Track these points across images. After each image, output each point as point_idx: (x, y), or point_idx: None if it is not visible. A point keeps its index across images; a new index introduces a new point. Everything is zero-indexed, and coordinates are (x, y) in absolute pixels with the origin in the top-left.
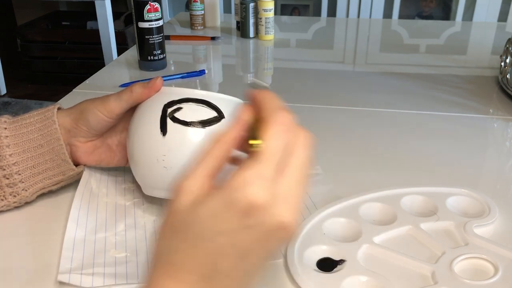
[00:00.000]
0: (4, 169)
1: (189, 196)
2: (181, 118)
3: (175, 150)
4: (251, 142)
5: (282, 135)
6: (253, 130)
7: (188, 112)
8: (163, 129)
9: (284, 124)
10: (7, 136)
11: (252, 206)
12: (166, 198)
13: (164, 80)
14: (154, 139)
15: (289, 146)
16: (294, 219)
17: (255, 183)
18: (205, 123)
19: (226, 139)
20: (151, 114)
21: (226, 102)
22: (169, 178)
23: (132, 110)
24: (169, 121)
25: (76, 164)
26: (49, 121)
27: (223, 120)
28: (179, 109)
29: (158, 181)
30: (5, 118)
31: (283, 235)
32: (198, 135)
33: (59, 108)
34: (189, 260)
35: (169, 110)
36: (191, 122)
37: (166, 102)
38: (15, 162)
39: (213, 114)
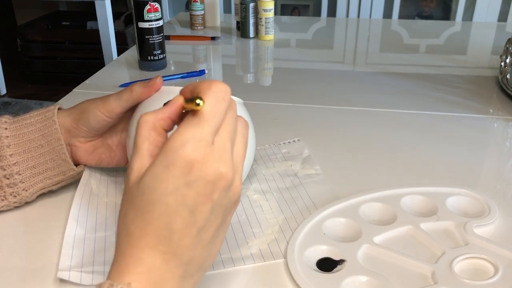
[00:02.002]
0: (5, 169)
1: (134, 173)
2: None
3: None
4: (192, 102)
5: (220, 102)
6: (186, 101)
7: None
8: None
9: (222, 92)
10: (7, 136)
11: (189, 162)
12: None
13: (164, 80)
14: None
15: (224, 112)
16: (230, 168)
17: (191, 143)
18: None
19: (151, 117)
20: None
21: None
22: None
23: (132, 110)
24: None
25: (76, 164)
26: (50, 121)
27: None
28: None
29: None
30: (6, 118)
31: (223, 184)
32: None
33: (59, 108)
34: (144, 225)
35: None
36: None
37: (166, 101)
38: (15, 162)
39: None
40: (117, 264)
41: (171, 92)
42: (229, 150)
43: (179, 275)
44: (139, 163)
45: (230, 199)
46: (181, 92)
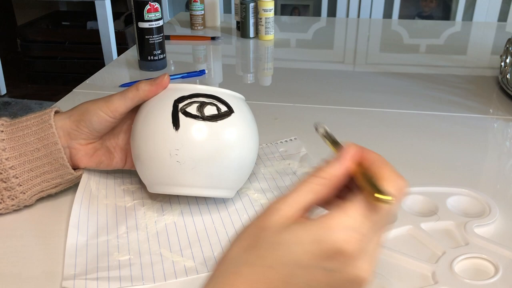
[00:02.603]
0: (1, 173)
1: (281, 219)
2: (193, 113)
3: (189, 144)
4: (378, 195)
5: (396, 207)
6: (366, 181)
7: (199, 106)
8: (176, 123)
9: (402, 193)
10: (3, 140)
11: (338, 251)
12: (177, 194)
13: None
14: (167, 134)
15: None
16: (371, 277)
17: (350, 232)
18: (217, 117)
19: (328, 175)
20: (161, 110)
21: (232, 98)
22: (182, 172)
23: (132, 112)
24: (181, 115)
25: (76, 166)
26: (46, 124)
27: (233, 114)
28: (190, 103)
29: (170, 177)
30: (2, 121)
31: (357, 284)
32: (211, 128)
33: (57, 111)
34: (258, 277)
35: (180, 105)
36: (203, 116)
37: (176, 98)
38: (11, 166)
39: (224, 108)
40: None
41: (178, 89)
42: (378, 251)
43: None
44: (290, 211)
45: None
46: (357, 152)
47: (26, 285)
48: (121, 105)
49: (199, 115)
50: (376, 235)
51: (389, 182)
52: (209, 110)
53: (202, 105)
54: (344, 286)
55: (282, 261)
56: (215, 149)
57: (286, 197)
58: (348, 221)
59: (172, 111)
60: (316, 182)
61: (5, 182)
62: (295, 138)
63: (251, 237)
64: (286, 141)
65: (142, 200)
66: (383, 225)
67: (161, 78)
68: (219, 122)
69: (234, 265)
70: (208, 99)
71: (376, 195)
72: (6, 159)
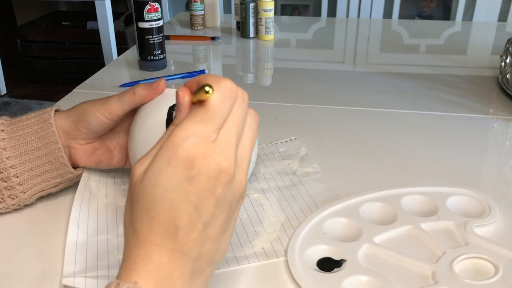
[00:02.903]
0: (1, 172)
1: (138, 171)
2: None
3: None
4: (201, 91)
5: (226, 100)
6: (192, 94)
7: None
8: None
9: (229, 90)
10: (3, 139)
11: (191, 158)
12: None
13: None
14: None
15: (229, 109)
16: (232, 163)
17: (193, 139)
18: None
19: (177, 121)
20: (156, 116)
21: None
22: None
23: (132, 112)
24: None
25: (76, 165)
26: (46, 123)
27: None
28: None
29: None
30: (3, 120)
31: (225, 178)
32: None
33: (57, 110)
34: (150, 222)
35: (175, 112)
36: None
37: (171, 105)
38: (12, 165)
39: None
40: (125, 263)
41: (173, 94)
42: (233, 144)
43: (188, 272)
44: (142, 161)
45: (234, 193)
46: (186, 86)
47: (26, 284)
48: (118, 108)
49: None
50: (221, 129)
51: (205, 80)
52: None
53: None
54: (214, 182)
55: (155, 197)
56: None
57: (147, 153)
58: (185, 132)
59: (167, 118)
60: (169, 132)
61: (5, 181)
62: (295, 138)
63: (128, 200)
64: (286, 141)
65: None
66: (220, 118)
67: (157, 83)
68: None
69: (130, 229)
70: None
71: (196, 94)
72: (6, 158)
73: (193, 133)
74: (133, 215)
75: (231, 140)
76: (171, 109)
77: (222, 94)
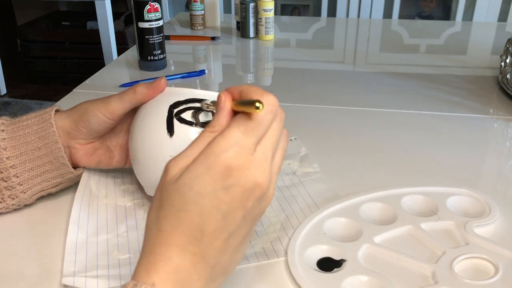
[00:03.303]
0: (2, 172)
1: (174, 170)
2: (188, 119)
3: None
4: (250, 105)
5: (269, 114)
6: (238, 104)
7: (194, 113)
8: (170, 130)
9: (272, 104)
10: (4, 139)
11: (230, 168)
12: None
13: None
14: (161, 140)
15: (270, 124)
16: (267, 179)
17: (234, 149)
18: None
19: (216, 125)
20: (156, 115)
21: None
22: None
23: (132, 111)
24: (175, 122)
25: (76, 165)
26: (47, 123)
27: None
28: (185, 109)
29: None
30: (3, 120)
31: (259, 193)
32: None
33: (57, 110)
34: (176, 223)
35: (175, 110)
36: (198, 122)
37: (171, 103)
38: (12, 165)
39: None
40: (144, 260)
41: (176, 93)
42: (269, 160)
43: (205, 278)
44: (178, 161)
45: (261, 208)
46: (228, 91)
47: (27, 284)
48: (119, 107)
49: (194, 121)
50: (260, 143)
51: (255, 95)
52: (204, 117)
53: (197, 111)
54: (247, 195)
55: (187, 200)
56: None
57: (182, 153)
58: (228, 141)
59: (167, 117)
60: (208, 135)
61: (5, 181)
62: (295, 138)
63: (157, 197)
64: None
65: (142, 200)
66: (262, 132)
67: (158, 82)
68: None
69: (155, 226)
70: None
71: (243, 105)
72: (6, 158)
73: (235, 143)
74: (160, 213)
75: (268, 156)
76: (172, 107)
77: (267, 108)
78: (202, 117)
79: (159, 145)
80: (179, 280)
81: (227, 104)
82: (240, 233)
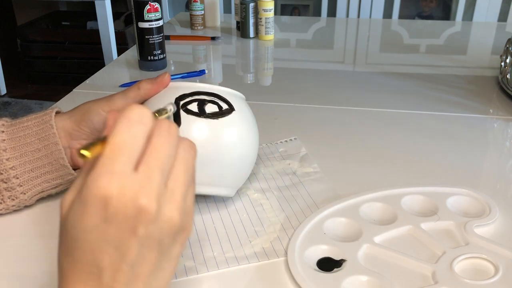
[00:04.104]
0: (1, 173)
1: (65, 207)
2: (195, 110)
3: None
4: (81, 151)
5: (135, 126)
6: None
7: (201, 104)
8: (177, 121)
9: (136, 115)
10: (4, 140)
11: (104, 197)
12: None
13: None
14: None
15: (143, 136)
16: (153, 200)
17: (105, 176)
18: (218, 115)
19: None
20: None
21: (232, 96)
22: None
23: None
24: (182, 113)
25: (76, 167)
26: (47, 125)
27: (234, 112)
28: (191, 101)
29: None
30: (3, 121)
31: (147, 217)
32: (212, 126)
33: (58, 112)
34: (73, 261)
35: (181, 102)
36: (205, 113)
37: (177, 96)
38: (12, 167)
39: (225, 106)
40: None
41: (180, 87)
42: (156, 178)
43: None
44: (69, 195)
45: (164, 230)
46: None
47: (26, 285)
48: (122, 104)
49: (200, 112)
50: (131, 163)
51: (113, 120)
52: (210, 108)
53: (203, 103)
54: (132, 223)
55: (76, 238)
56: (216, 147)
57: (72, 184)
58: (96, 170)
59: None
60: (89, 162)
61: (5, 182)
62: (295, 138)
63: (59, 236)
64: (286, 141)
65: None
66: (130, 150)
67: (162, 77)
68: (220, 119)
69: (59, 267)
70: (209, 97)
71: (81, 151)
72: (6, 160)
73: (104, 169)
74: (60, 252)
75: (153, 175)
76: (178, 99)
77: (128, 121)
78: (208, 109)
79: None
80: None
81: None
82: (145, 260)
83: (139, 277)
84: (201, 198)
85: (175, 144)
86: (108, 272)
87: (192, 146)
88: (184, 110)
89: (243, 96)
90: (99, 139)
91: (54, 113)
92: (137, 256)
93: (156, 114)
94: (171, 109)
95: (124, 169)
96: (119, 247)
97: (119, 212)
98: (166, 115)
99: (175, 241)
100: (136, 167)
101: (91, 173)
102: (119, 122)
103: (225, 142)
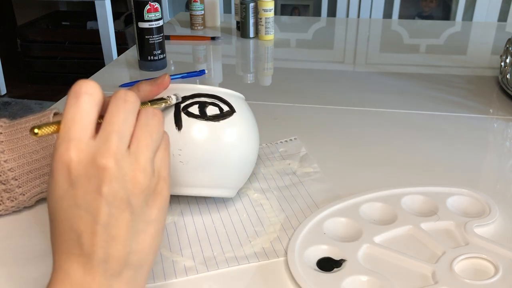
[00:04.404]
0: (0, 175)
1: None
2: (195, 113)
3: (192, 144)
4: (34, 129)
5: (81, 96)
6: None
7: (202, 106)
8: (178, 124)
9: (81, 87)
10: (2, 142)
11: (65, 163)
12: (179, 194)
13: None
14: (169, 134)
15: (92, 106)
16: (110, 158)
17: (63, 144)
18: (219, 117)
19: None
20: (163, 110)
21: (232, 97)
22: (185, 172)
23: None
24: (183, 115)
25: None
26: None
27: (235, 114)
28: (192, 104)
29: (173, 176)
30: (1, 122)
31: (108, 177)
32: (213, 128)
33: (56, 113)
34: (56, 234)
35: (182, 105)
36: (206, 116)
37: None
38: (10, 168)
39: (225, 108)
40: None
41: (180, 89)
42: (112, 141)
43: (100, 275)
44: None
45: (128, 191)
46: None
47: (26, 286)
48: None
49: (202, 115)
50: (102, 129)
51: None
52: (211, 110)
53: (204, 105)
54: (96, 183)
55: (53, 211)
56: (217, 149)
57: None
58: (58, 140)
59: (174, 111)
60: None
61: (4, 184)
62: (295, 138)
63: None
64: (286, 141)
65: None
66: (81, 115)
67: (162, 78)
68: (222, 122)
69: (50, 242)
70: (210, 99)
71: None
72: (4, 161)
73: (62, 140)
74: (50, 228)
75: (109, 137)
76: (179, 102)
77: (73, 98)
78: (209, 111)
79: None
80: (74, 284)
81: None
82: (117, 221)
83: (116, 239)
84: (201, 199)
85: (133, 110)
86: (86, 236)
87: (155, 113)
88: (185, 113)
89: (243, 96)
90: (55, 122)
91: (52, 114)
92: (109, 216)
93: (149, 103)
94: (173, 99)
95: (79, 136)
96: (89, 209)
97: (81, 175)
98: (163, 105)
99: (148, 204)
100: (94, 134)
101: (55, 145)
102: (68, 97)
103: (227, 144)
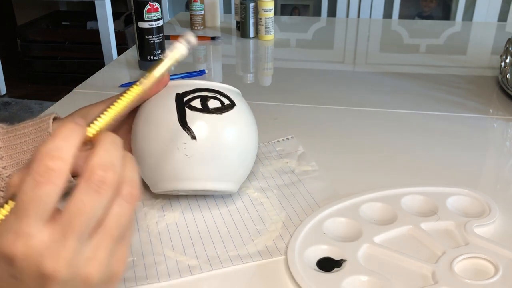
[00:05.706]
0: None
1: None
2: (198, 106)
3: (196, 137)
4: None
5: (40, 185)
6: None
7: (203, 100)
8: (182, 117)
9: (38, 171)
10: (0, 148)
11: (8, 257)
12: (184, 188)
13: None
14: (173, 128)
15: (50, 195)
16: (62, 266)
17: (7, 236)
18: (221, 110)
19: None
20: (165, 105)
21: (231, 92)
22: (190, 165)
23: (131, 113)
24: (186, 109)
25: (75, 173)
26: (44, 132)
27: (235, 107)
28: (193, 98)
29: (178, 171)
30: None
31: (53, 283)
32: (216, 121)
33: (55, 118)
34: None
35: (184, 99)
36: (208, 109)
37: (179, 93)
38: (9, 175)
39: (226, 101)
40: None
41: (180, 85)
42: (69, 241)
43: None
44: None
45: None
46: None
47: None
48: None
49: (204, 108)
50: (58, 222)
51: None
52: (213, 104)
53: (205, 99)
54: (41, 285)
55: None
56: (221, 141)
57: None
58: (3, 227)
59: (177, 106)
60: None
61: (2, 191)
62: (291, 137)
63: None
64: (283, 140)
65: (142, 202)
66: (37, 208)
67: (161, 76)
68: (224, 114)
69: None
70: (210, 93)
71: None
72: (3, 168)
73: (9, 228)
74: None
75: (67, 236)
76: (181, 96)
77: (31, 182)
78: (211, 104)
79: (172, 134)
80: None
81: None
82: None
83: None
84: (201, 198)
85: (107, 198)
86: None
87: (133, 196)
88: (187, 107)
89: (239, 92)
90: (7, 200)
91: (51, 120)
92: None
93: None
94: (183, 47)
95: (31, 230)
96: None
97: (24, 273)
98: (160, 71)
99: None
100: (50, 223)
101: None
102: (25, 180)
103: (229, 136)
